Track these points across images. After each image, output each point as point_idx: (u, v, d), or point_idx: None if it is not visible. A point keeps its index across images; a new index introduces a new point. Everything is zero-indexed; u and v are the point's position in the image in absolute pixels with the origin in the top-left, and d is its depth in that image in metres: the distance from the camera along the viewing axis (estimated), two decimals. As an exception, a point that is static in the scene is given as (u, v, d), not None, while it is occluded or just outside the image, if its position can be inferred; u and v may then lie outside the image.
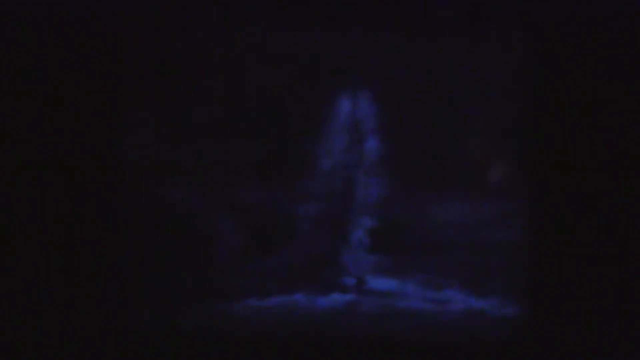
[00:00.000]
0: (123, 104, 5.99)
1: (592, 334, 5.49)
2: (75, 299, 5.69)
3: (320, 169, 6.67)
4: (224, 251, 6.55)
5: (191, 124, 6.52)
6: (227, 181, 6.55)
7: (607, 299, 5.48)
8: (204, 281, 6.42)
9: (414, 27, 5.77)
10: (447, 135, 6.36)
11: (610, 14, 5.35)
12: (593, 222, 5.48)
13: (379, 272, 6.65)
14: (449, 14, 5.63)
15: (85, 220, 5.73)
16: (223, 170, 6.54)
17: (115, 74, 5.81)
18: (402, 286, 6.57)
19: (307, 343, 5.83)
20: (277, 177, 6.58)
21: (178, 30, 6.16)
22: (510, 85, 6.01)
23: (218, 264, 6.52)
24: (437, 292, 6.44)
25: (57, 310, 5.65)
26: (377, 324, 6.20)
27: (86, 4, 5.54)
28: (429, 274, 6.51)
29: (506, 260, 5.99)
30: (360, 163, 6.73)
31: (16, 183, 5.64)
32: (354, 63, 6.49)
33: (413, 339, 5.85)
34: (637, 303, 5.48)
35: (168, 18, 6.00)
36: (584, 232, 5.47)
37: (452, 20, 5.63)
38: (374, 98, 6.61)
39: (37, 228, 5.67)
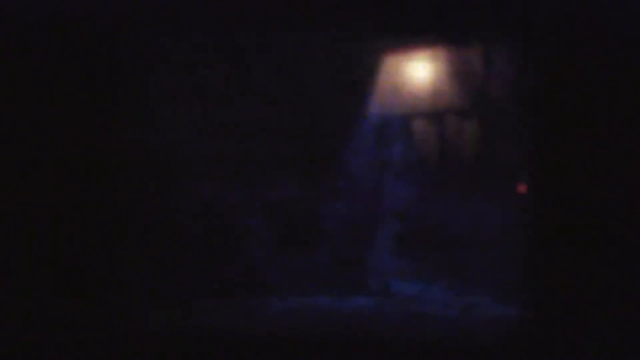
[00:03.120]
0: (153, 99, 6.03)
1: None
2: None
3: (349, 169, 6.68)
4: (252, 247, 6.56)
5: (225, 121, 6.56)
6: (258, 178, 6.57)
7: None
8: (229, 277, 6.44)
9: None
10: (473, 139, 6.35)
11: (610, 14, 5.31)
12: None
13: (404, 275, 6.63)
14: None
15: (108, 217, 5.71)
16: (255, 166, 6.56)
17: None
18: (427, 290, 6.55)
19: (329, 344, 5.81)
20: (307, 175, 6.59)
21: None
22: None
23: (246, 260, 6.52)
24: (461, 298, 6.40)
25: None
26: (400, 327, 6.18)
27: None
28: (454, 279, 6.48)
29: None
30: (387, 166, 6.74)
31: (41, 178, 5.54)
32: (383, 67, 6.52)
33: (437, 344, 5.81)
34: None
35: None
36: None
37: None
38: (399, 103, 6.62)
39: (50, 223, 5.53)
